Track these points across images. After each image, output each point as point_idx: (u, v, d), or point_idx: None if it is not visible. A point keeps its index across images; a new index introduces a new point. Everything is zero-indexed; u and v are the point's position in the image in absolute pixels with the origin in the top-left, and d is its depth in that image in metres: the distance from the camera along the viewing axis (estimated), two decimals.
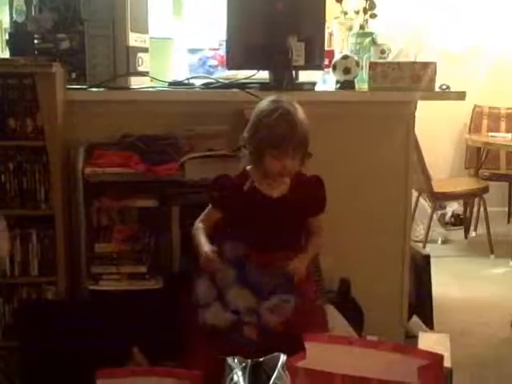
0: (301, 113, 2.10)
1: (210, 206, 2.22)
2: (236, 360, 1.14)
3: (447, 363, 1.89)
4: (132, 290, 2.39)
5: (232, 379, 1.11)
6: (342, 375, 1.65)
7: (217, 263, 2.08)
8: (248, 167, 2.19)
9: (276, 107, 2.08)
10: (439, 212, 4.89)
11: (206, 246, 2.13)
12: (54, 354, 2.25)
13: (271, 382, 1.10)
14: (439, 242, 4.62)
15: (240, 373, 1.12)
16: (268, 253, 2.11)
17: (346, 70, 2.63)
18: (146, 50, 2.69)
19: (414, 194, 4.22)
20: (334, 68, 2.66)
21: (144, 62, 2.66)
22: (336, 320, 2.38)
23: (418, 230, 4.55)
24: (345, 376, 1.65)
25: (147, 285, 2.40)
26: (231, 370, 1.13)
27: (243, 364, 1.13)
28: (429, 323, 2.91)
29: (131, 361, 2.25)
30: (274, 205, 2.14)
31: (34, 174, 2.41)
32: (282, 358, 1.17)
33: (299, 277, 2.07)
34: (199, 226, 2.22)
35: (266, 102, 2.14)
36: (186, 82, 2.74)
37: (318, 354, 1.79)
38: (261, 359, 1.17)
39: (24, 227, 2.43)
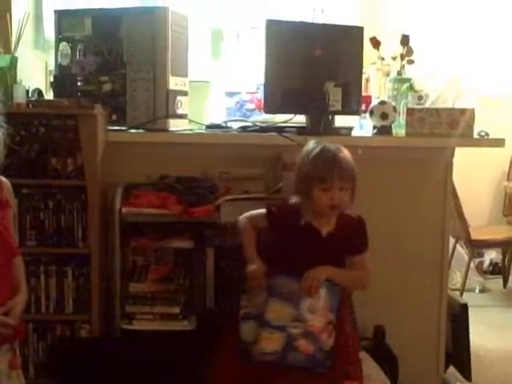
0: (344, 150, 2.15)
1: (264, 212, 2.23)
2: None
3: None
4: (165, 330, 2.39)
5: None
6: None
7: (263, 284, 2.10)
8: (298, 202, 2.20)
9: (318, 145, 2.16)
10: (477, 260, 4.79)
11: (255, 260, 2.15)
12: None
13: None
14: (477, 290, 4.52)
15: None
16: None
17: (383, 116, 2.64)
18: (185, 94, 2.74)
19: (451, 240, 4.15)
20: (372, 113, 2.67)
21: (183, 105, 2.71)
22: (370, 368, 2.33)
23: (455, 278, 4.46)
24: None
25: (180, 325, 2.41)
26: None
27: None
28: (466, 374, 2.82)
29: None
30: (322, 241, 2.15)
31: (72, 213, 2.45)
32: None
33: (310, 282, 2.06)
34: (247, 224, 2.23)
35: (309, 144, 2.20)
36: (224, 125, 2.78)
37: None
38: None
39: (60, 264, 2.47)
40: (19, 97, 2.40)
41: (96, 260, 2.43)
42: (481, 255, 4.86)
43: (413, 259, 2.67)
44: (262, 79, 2.70)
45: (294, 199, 2.22)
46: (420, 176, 2.65)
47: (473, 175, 4.75)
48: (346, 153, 2.15)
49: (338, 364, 2.06)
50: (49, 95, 2.85)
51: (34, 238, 2.45)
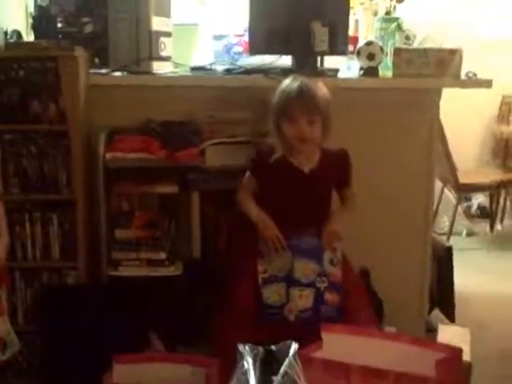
0: (315, 83, 2.13)
1: (248, 172, 2.24)
2: (247, 347, 1.12)
3: (466, 357, 1.86)
4: (151, 276, 2.39)
5: (243, 366, 1.10)
6: (359, 366, 1.63)
7: (276, 231, 2.11)
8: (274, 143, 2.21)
9: (290, 81, 2.16)
10: (464, 204, 4.81)
11: (262, 214, 2.16)
12: (73, 338, 2.27)
13: (281, 370, 1.09)
14: (464, 234, 4.55)
15: (251, 360, 1.11)
16: (300, 227, 2.14)
17: (370, 56, 2.59)
18: (168, 35, 2.67)
19: (439, 184, 4.16)
20: (358, 54, 2.62)
21: (167, 47, 2.64)
22: None
23: (443, 222, 4.49)
24: (362, 367, 1.63)
25: (166, 271, 2.40)
26: (242, 357, 1.12)
27: (254, 351, 1.12)
28: (450, 316, 2.86)
29: (149, 346, 2.25)
30: (305, 179, 2.17)
31: (55, 159, 2.41)
32: (294, 346, 1.15)
33: (330, 237, 2.14)
34: (244, 194, 2.24)
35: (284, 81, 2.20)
36: (209, 67, 2.72)
37: (335, 345, 1.78)
38: (273, 347, 1.16)
39: (45, 211, 2.44)
40: None
41: (81, 206, 2.41)
42: (468, 199, 4.89)
43: (398, 202, 2.67)
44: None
45: (269, 140, 2.21)
46: (406, 118, 2.62)
47: (462, 119, 4.73)
48: (315, 85, 2.13)
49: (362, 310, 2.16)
50: (30, 38, 2.78)
51: (17, 185, 2.41)
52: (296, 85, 2.11)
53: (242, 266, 2.21)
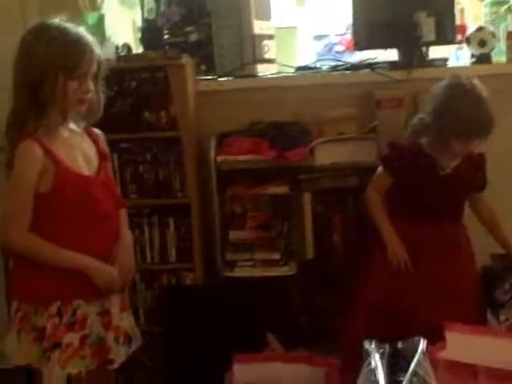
0: (484, 91, 2.09)
1: (382, 169, 2.22)
2: (373, 345, 1.10)
3: None
4: (266, 276, 2.41)
5: (369, 364, 1.08)
6: (485, 368, 1.57)
7: (406, 256, 2.13)
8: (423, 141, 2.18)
9: (460, 92, 2.08)
10: None
11: (394, 236, 2.15)
12: (193, 338, 2.32)
13: (411, 368, 1.05)
14: None
15: (378, 357, 1.09)
16: (436, 224, 2.15)
17: (482, 43, 2.49)
18: (270, 37, 2.69)
19: None
20: (468, 41, 2.52)
21: (270, 49, 2.67)
22: None
23: None
24: (489, 369, 1.56)
25: (281, 271, 2.42)
26: (368, 354, 1.10)
27: (381, 349, 1.10)
28: None
29: (266, 347, 2.27)
30: (446, 178, 2.16)
31: (169, 164, 2.48)
32: (422, 343, 1.12)
33: None
34: (376, 198, 2.22)
35: (445, 85, 2.13)
36: (313, 66, 2.71)
37: (459, 345, 1.71)
38: (399, 344, 1.13)
39: (162, 215, 2.52)
40: (109, 53, 2.43)
41: (195, 210, 2.47)
42: None
43: None
44: (349, 19, 2.61)
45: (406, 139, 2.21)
46: None
47: None
48: (486, 96, 2.07)
49: None
50: (139, 51, 2.87)
51: (135, 191, 2.50)
52: (475, 109, 2.04)
53: (368, 263, 2.20)
